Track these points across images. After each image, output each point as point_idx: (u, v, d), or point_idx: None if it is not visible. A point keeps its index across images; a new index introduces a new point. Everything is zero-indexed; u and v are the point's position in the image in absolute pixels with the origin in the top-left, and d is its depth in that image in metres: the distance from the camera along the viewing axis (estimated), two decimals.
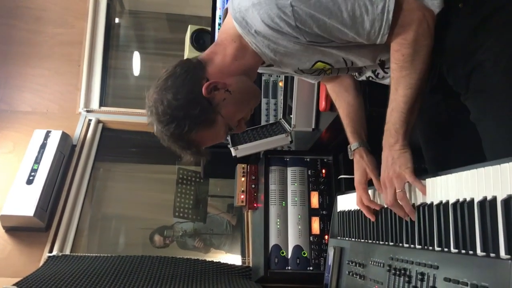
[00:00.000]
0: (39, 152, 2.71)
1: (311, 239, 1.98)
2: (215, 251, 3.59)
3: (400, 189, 1.15)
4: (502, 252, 0.80)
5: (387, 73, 1.33)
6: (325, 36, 1.13)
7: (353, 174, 1.65)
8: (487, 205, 0.85)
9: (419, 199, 1.12)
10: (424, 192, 1.10)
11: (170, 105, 1.18)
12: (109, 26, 3.65)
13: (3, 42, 3.32)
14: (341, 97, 1.52)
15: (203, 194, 3.58)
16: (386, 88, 1.24)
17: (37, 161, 2.66)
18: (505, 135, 1.07)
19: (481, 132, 1.13)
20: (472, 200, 0.90)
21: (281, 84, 2.52)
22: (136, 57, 4.25)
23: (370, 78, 1.40)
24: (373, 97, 1.62)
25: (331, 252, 1.61)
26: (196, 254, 3.34)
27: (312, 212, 2.03)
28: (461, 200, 0.94)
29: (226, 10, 1.25)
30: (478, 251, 0.86)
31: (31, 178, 2.57)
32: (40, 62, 3.30)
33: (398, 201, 1.15)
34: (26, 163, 2.65)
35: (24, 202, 2.46)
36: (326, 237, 1.96)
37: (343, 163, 2.07)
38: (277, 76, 2.56)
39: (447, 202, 0.99)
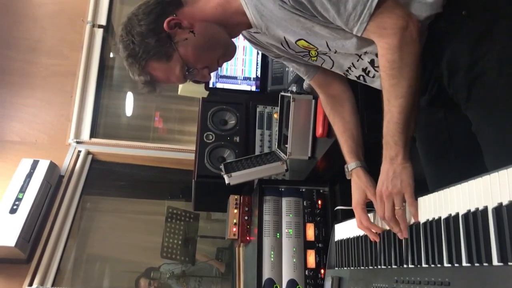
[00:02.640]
0: (25, 181, 2.63)
1: (306, 273, 1.89)
2: None
3: (399, 207, 1.11)
4: None
5: (377, 71, 1.29)
6: (308, 6, 1.12)
7: (350, 205, 1.59)
8: (504, 210, 0.79)
9: (425, 216, 1.07)
10: (416, 218, 1.09)
11: (132, 29, 1.24)
12: (104, 58, 3.66)
13: None
14: (336, 112, 1.49)
15: (192, 234, 3.48)
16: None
17: (23, 190, 2.58)
18: (507, 147, 1.03)
19: (482, 144, 1.10)
20: (486, 208, 0.85)
21: (276, 115, 2.50)
22: (130, 97, 4.24)
23: (361, 78, 1.36)
24: (371, 122, 1.59)
25: (328, 283, 1.53)
26: None
27: (307, 245, 1.94)
28: (472, 210, 0.89)
29: None
30: (495, 262, 0.80)
31: (14, 207, 2.48)
32: (32, 92, 3.27)
33: (397, 217, 1.12)
34: (11, 191, 2.56)
35: (6, 232, 2.36)
36: (322, 271, 1.88)
37: (339, 194, 2.01)
38: (271, 108, 2.53)
39: (457, 214, 0.94)
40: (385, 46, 1.10)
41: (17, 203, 2.51)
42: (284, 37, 1.26)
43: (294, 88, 2.06)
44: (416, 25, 1.11)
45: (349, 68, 1.35)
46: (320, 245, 1.94)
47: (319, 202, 2.02)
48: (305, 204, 2.01)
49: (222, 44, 1.31)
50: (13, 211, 2.47)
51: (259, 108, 2.55)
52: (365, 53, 1.25)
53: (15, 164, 2.81)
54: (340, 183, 2.01)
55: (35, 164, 2.75)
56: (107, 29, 3.72)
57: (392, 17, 1.09)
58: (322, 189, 2.05)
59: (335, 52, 1.27)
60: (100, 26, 3.64)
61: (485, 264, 0.82)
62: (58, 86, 3.33)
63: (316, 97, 1.90)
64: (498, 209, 0.81)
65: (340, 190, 2.01)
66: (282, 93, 2.07)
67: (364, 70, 1.32)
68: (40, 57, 3.41)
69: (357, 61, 1.30)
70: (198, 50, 1.26)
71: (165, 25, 1.22)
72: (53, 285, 2.42)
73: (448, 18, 1.14)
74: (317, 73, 1.50)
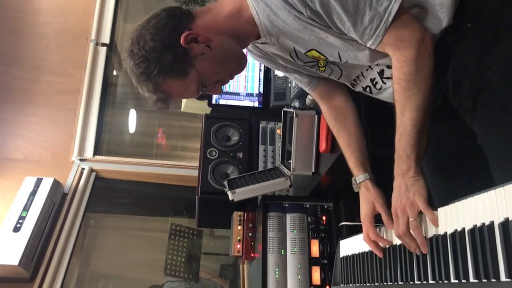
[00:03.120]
0: (28, 199, 2.63)
1: None
2: None
3: (413, 218, 1.08)
4: None
5: (385, 83, 1.29)
6: (324, 17, 1.12)
7: (355, 221, 1.57)
8: (511, 226, 0.78)
9: (431, 231, 1.06)
10: (435, 223, 1.04)
11: (145, 45, 1.17)
12: (107, 76, 3.69)
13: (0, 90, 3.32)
14: (340, 124, 1.48)
15: (196, 250, 3.46)
16: (389, 127, 1.21)
17: (26, 208, 2.58)
18: None
19: (489, 156, 1.09)
20: (492, 224, 0.84)
21: (279, 131, 2.49)
22: (133, 114, 4.26)
23: (367, 89, 1.36)
24: (375, 137, 1.59)
25: None
26: None
27: (312, 261, 1.92)
28: (479, 225, 0.88)
29: None
30: (502, 278, 0.79)
31: (18, 225, 2.48)
32: (36, 110, 3.29)
33: (411, 231, 1.08)
34: (14, 209, 2.56)
35: (9, 250, 2.36)
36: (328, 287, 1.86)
37: (344, 209, 1.99)
38: (274, 123, 2.53)
39: (463, 229, 0.93)
40: (402, 58, 1.11)
41: (20, 221, 2.50)
42: (294, 48, 1.25)
43: (297, 104, 2.07)
44: (431, 39, 1.12)
45: (358, 77, 1.34)
46: (325, 261, 1.92)
47: (324, 218, 2.00)
48: (309, 220, 2.00)
49: (236, 57, 1.29)
50: (16, 229, 2.47)
51: (262, 124, 2.55)
52: (377, 64, 1.25)
53: (19, 182, 2.82)
54: (344, 198, 2.00)
55: (38, 182, 2.75)
56: (111, 47, 3.76)
57: (409, 30, 1.10)
58: (326, 204, 2.03)
59: (346, 62, 1.27)
60: (103, 44, 3.67)
61: (492, 280, 0.81)
62: (62, 104, 3.35)
63: (319, 113, 1.90)
64: (505, 224, 0.80)
65: (345, 206, 1.99)
66: (285, 109, 2.08)
67: (372, 80, 1.32)
68: (44, 75, 3.43)
69: (366, 70, 1.31)
70: (215, 64, 1.23)
71: (182, 40, 1.17)
72: None
73: (454, 30, 1.15)
74: (319, 84, 1.50)
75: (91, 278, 3.44)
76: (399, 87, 1.12)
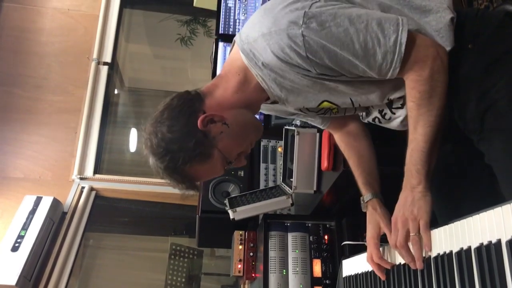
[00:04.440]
0: (27, 218, 2.62)
1: None
2: None
3: (414, 233, 1.07)
4: None
5: (394, 113, 1.29)
6: (335, 68, 1.11)
7: (357, 240, 1.55)
8: None
9: (436, 250, 1.04)
10: (428, 247, 1.04)
11: (164, 137, 1.17)
12: (108, 95, 3.70)
13: (1, 109, 3.33)
14: (351, 147, 1.48)
15: (196, 271, 3.43)
16: (392, 146, 1.20)
17: (25, 227, 2.56)
18: None
19: (499, 173, 1.08)
20: (499, 241, 0.82)
21: (280, 149, 2.49)
22: (133, 133, 4.26)
23: (377, 120, 1.36)
24: (378, 155, 1.58)
25: None
26: None
27: (314, 282, 1.89)
28: (485, 243, 0.86)
29: (234, 42, 1.23)
30: None
31: (16, 245, 2.46)
32: (37, 129, 3.31)
33: (410, 245, 1.08)
34: (13, 229, 2.55)
35: (7, 270, 2.34)
36: None
37: (346, 228, 1.97)
38: (276, 141, 2.53)
39: (469, 248, 0.91)
40: (417, 78, 1.10)
41: (19, 240, 2.49)
42: (304, 106, 1.26)
43: (298, 122, 2.06)
44: (445, 52, 1.12)
45: (368, 107, 1.35)
46: (327, 281, 1.89)
47: (326, 237, 1.98)
48: (311, 239, 1.97)
49: (253, 126, 1.28)
50: (15, 249, 2.45)
51: (263, 142, 2.55)
52: (388, 99, 1.26)
53: (19, 201, 2.81)
54: (346, 217, 1.98)
55: (38, 200, 2.75)
56: (112, 66, 3.78)
57: (422, 49, 1.10)
58: (328, 223, 2.01)
59: (358, 106, 1.27)
60: (105, 63, 3.70)
61: None
62: (63, 123, 3.37)
63: (320, 130, 1.90)
64: None
65: (347, 225, 1.97)
66: (286, 127, 2.07)
67: (380, 112, 1.32)
68: (45, 94, 3.46)
69: None
70: (235, 139, 1.23)
71: (199, 124, 1.17)
72: None
73: (455, 53, 1.15)
74: (332, 119, 1.50)
75: None
76: (414, 105, 1.11)
